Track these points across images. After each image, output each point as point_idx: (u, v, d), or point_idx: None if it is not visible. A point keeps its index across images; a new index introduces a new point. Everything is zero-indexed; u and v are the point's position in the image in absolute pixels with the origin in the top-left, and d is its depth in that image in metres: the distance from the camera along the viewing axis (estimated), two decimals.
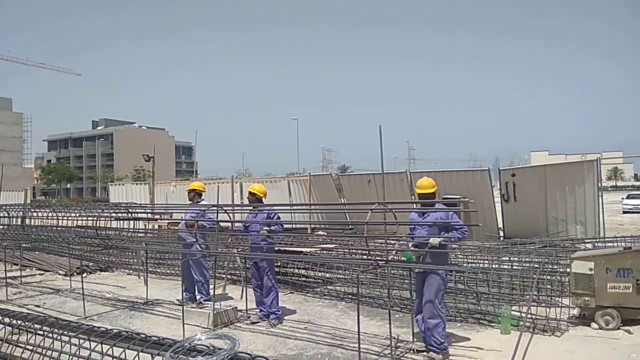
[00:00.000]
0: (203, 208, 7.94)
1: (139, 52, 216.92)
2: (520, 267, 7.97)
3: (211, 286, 7.95)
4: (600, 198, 12.88)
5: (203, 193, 8.47)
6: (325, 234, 14.13)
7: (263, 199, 7.46)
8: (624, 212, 29.78)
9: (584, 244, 10.58)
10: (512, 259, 8.54)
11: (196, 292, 8.05)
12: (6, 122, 73.52)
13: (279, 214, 7.50)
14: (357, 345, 5.31)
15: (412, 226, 5.86)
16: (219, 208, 7.77)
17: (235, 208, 11.63)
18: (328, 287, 8.91)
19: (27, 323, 4.08)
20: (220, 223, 7.87)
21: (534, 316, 6.40)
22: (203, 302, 7.84)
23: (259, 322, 7.15)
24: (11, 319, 4.26)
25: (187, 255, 8.05)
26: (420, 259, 5.68)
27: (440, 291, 5.64)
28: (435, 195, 5.91)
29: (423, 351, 5.63)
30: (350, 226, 15.15)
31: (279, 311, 7.20)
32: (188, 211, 8.26)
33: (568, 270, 7.09)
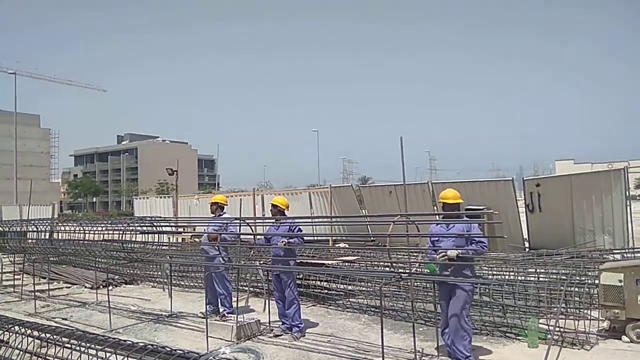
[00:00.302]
0: (225, 221, 8.02)
1: (162, 68, 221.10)
2: (547, 279, 7.80)
3: (234, 299, 7.99)
4: (628, 207, 12.58)
5: (225, 206, 8.55)
6: (347, 246, 14.08)
7: (285, 211, 7.50)
8: None
9: (612, 255, 10.33)
10: (538, 270, 8.37)
11: (219, 304, 8.09)
12: (34, 138, 75.41)
13: (300, 227, 7.52)
14: (380, 359, 5.27)
15: (435, 238, 5.79)
16: (242, 221, 7.83)
17: (257, 220, 11.69)
18: (350, 299, 8.86)
19: (55, 336, 4.15)
20: (242, 236, 7.92)
21: (562, 329, 6.25)
22: (226, 314, 7.87)
23: (282, 335, 7.14)
24: (40, 332, 4.34)
25: (210, 268, 8.11)
26: (442, 271, 5.61)
27: (467, 304, 5.57)
28: (460, 206, 5.84)
29: None
30: (372, 238, 15.08)
31: (301, 324, 7.18)
32: (210, 224, 8.34)
33: (596, 281, 6.92)
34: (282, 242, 7.06)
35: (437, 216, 13.60)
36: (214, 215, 8.38)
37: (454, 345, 5.46)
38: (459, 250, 5.42)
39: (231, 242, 7.95)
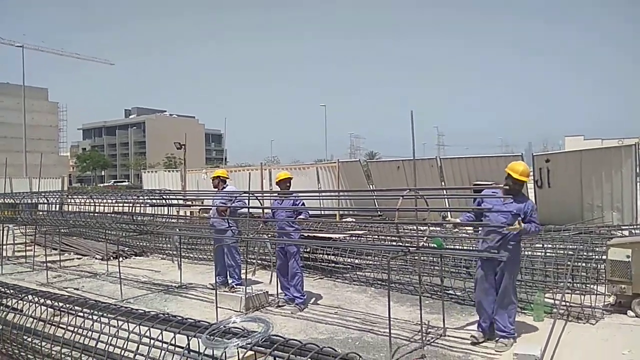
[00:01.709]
0: (232, 193, 8.07)
1: (170, 41, 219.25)
2: (554, 254, 7.82)
3: (242, 271, 8.09)
4: (638, 184, 12.50)
5: (227, 179, 8.62)
6: (354, 220, 14.14)
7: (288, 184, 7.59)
8: None
9: (620, 231, 10.30)
10: (545, 245, 8.38)
11: (228, 276, 8.20)
12: (43, 112, 75.44)
13: (303, 201, 7.56)
14: (387, 330, 5.34)
15: (488, 205, 5.60)
16: (250, 194, 7.87)
17: (265, 194, 11.75)
18: (357, 273, 8.94)
19: (68, 305, 4.24)
20: (251, 209, 7.97)
21: (568, 303, 6.29)
22: (235, 286, 7.98)
23: (285, 305, 7.27)
24: (52, 301, 4.44)
25: (219, 241, 8.19)
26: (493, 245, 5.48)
27: (516, 278, 5.58)
28: (523, 185, 5.60)
29: (481, 342, 5.54)
30: (379, 213, 15.12)
31: (304, 295, 7.29)
32: (217, 198, 8.40)
33: (604, 257, 6.92)
34: (299, 219, 7.16)
35: (444, 191, 13.59)
36: (216, 189, 8.45)
37: (504, 318, 5.41)
38: (526, 226, 5.30)
39: (237, 213, 8.03)
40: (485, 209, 5.61)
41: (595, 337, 5.67)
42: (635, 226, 10.79)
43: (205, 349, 3.05)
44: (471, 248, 8.24)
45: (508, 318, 5.45)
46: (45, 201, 11.00)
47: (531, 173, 14.76)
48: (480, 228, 6.17)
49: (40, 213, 11.95)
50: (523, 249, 8.38)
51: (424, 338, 5.64)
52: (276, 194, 7.91)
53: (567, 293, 6.32)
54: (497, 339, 5.47)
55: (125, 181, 75.80)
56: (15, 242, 12.92)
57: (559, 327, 5.64)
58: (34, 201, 12.26)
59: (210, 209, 8.85)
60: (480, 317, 5.70)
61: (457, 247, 8.35)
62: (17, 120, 57.86)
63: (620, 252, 6.47)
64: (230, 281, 8.16)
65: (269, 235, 8.55)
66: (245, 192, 7.83)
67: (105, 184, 74.39)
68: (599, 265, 7.22)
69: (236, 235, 7.98)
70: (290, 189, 7.74)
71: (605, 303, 6.65)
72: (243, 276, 7.96)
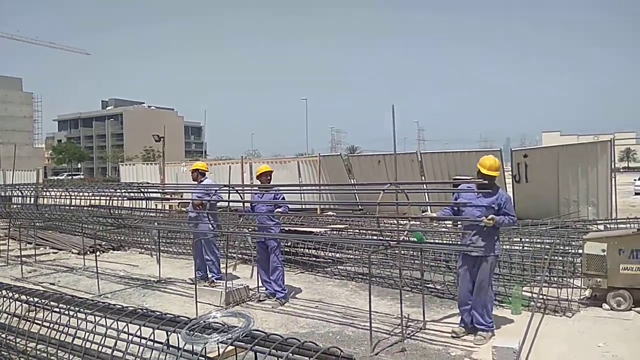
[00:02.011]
0: (210, 187, 8.00)
1: (148, 32, 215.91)
2: (531, 248, 7.94)
3: (222, 265, 8.03)
4: (613, 179, 12.75)
5: (206, 172, 8.54)
6: (335, 214, 14.14)
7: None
8: (636, 194, 29.49)
9: (595, 225, 10.50)
10: (523, 239, 8.49)
11: (207, 271, 8.13)
12: (16, 102, 73.73)
13: (284, 195, 7.53)
14: (368, 324, 5.35)
15: (462, 200, 5.66)
16: (230, 188, 7.79)
17: (246, 188, 11.67)
18: (338, 267, 8.95)
19: (43, 300, 4.14)
20: (231, 203, 7.90)
21: (545, 297, 6.39)
22: (215, 280, 7.92)
23: (266, 299, 7.24)
24: (27, 297, 4.32)
25: (198, 235, 8.11)
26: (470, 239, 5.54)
27: (493, 271, 5.62)
28: (493, 179, 5.60)
29: (462, 336, 5.59)
30: (360, 207, 15.15)
31: (285, 290, 7.27)
32: (195, 191, 8.31)
33: (580, 251, 7.05)
34: (277, 212, 7.12)
35: (424, 185, 13.67)
36: (195, 182, 8.36)
37: (481, 310, 5.47)
38: (499, 218, 5.36)
39: (215, 207, 7.96)
40: (461, 203, 5.68)
41: (571, 330, 5.78)
42: (610, 221, 11.00)
43: (185, 344, 3.00)
44: (451, 242, 8.31)
45: (485, 311, 5.51)
46: (20, 194, 10.74)
47: (508, 168, 14.98)
48: (459, 222, 6.23)
49: (15, 206, 11.67)
50: (501, 243, 8.51)
51: (404, 331, 5.67)
52: (257, 188, 7.85)
53: (544, 286, 6.41)
54: (475, 332, 5.53)
55: (79, 174, 72.31)
56: None
57: (536, 320, 5.75)
58: (7, 194, 11.95)
59: (189, 202, 8.75)
60: (462, 312, 5.74)
61: (437, 241, 8.41)
62: None
63: (595, 246, 6.60)
64: (209, 276, 8.08)
65: (249, 230, 8.50)
66: (224, 186, 7.74)
67: (55, 177, 68.00)
68: (575, 259, 7.35)
69: (215, 229, 7.91)
70: (271, 183, 7.69)
71: (581, 296, 6.78)
72: (223, 270, 7.90)
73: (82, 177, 67.13)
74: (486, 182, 5.47)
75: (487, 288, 5.52)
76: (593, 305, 6.59)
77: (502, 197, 5.55)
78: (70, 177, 65.84)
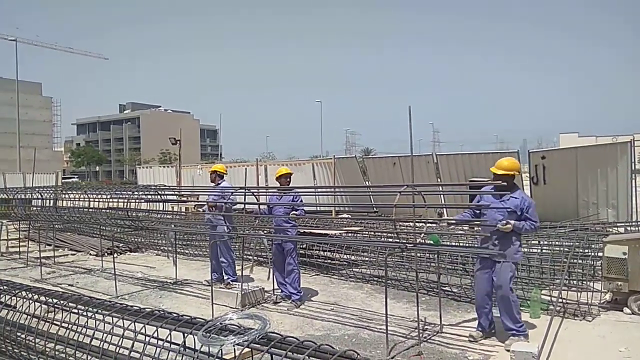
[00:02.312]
0: (227, 190, 8.04)
1: (165, 35, 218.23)
2: (550, 251, 7.83)
3: (238, 267, 8.05)
4: (633, 181, 12.53)
5: (224, 175, 8.59)
6: (350, 216, 14.11)
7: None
8: None
9: (616, 228, 10.32)
10: (541, 242, 8.38)
11: (223, 273, 8.16)
12: (36, 106, 74.82)
13: (302, 197, 7.53)
14: (384, 327, 5.31)
15: (485, 207, 5.56)
16: (246, 190, 7.83)
17: (261, 190, 11.70)
18: (354, 269, 8.92)
19: (62, 301, 4.18)
20: (247, 205, 7.93)
21: (564, 300, 6.29)
22: (230, 282, 7.94)
23: (281, 302, 7.24)
24: (46, 298, 4.37)
25: (214, 237, 8.15)
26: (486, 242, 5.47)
27: (514, 276, 5.49)
28: (514, 177, 5.55)
29: (479, 340, 5.53)
30: (375, 209, 15.09)
31: (300, 292, 7.26)
32: (211, 193, 8.37)
33: (600, 254, 6.93)
34: (293, 214, 7.12)
35: (440, 187, 13.54)
36: (214, 184, 8.41)
37: (507, 316, 5.34)
38: (518, 224, 5.28)
39: (230, 210, 8.01)
40: (483, 205, 5.60)
41: (591, 334, 5.67)
42: (631, 223, 10.81)
43: (202, 346, 3.00)
44: (468, 245, 8.23)
45: (510, 316, 5.36)
46: (39, 196, 10.91)
47: (526, 170, 14.80)
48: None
49: (34, 208, 11.85)
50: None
51: (420, 335, 5.62)
52: (275, 190, 7.87)
53: (564, 290, 6.32)
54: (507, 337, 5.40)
55: (74, 177, 72.23)
56: (9, 237, 12.83)
57: (555, 324, 5.64)
58: (27, 196, 12.14)
59: (204, 203, 8.80)
60: (479, 316, 5.67)
61: (454, 243, 8.34)
62: (11, 115, 57.33)
63: (616, 249, 6.47)
64: (225, 277, 8.12)
65: (265, 232, 8.51)
66: (240, 188, 7.77)
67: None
68: (595, 262, 7.23)
69: (230, 231, 7.94)
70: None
71: (602, 300, 6.66)
72: (238, 272, 7.92)
73: (76, 179, 67.17)
74: (505, 183, 5.40)
75: (509, 293, 5.37)
76: (614, 309, 6.46)
77: (526, 201, 5.43)
78: (77, 179, 66.62)
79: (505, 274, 5.37)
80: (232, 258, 8.18)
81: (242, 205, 7.85)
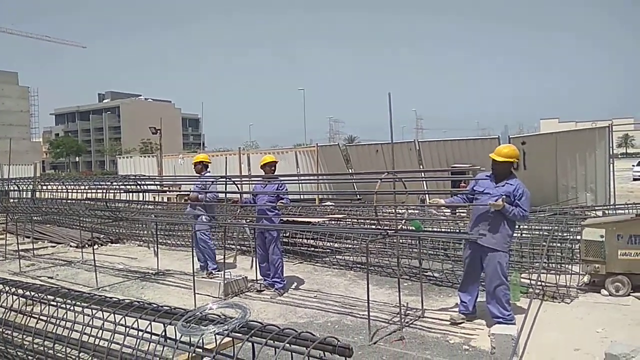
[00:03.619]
0: (208, 180, 7.97)
1: (142, 23, 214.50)
2: (529, 235, 7.94)
3: (220, 257, 8.02)
4: (611, 165, 12.75)
5: (209, 164, 8.51)
6: (333, 204, 14.14)
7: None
8: (634, 180, 29.56)
9: (594, 211, 10.51)
10: (521, 226, 8.49)
11: (207, 261, 8.13)
12: (13, 97, 73.35)
13: (287, 186, 7.50)
14: (366, 313, 5.35)
15: (479, 189, 5.56)
16: (227, 179, 7.76)
17: (244, 179, 11.63)
18: (337, 256, 8.95)
19: (40, 294, 4.11)
20: (229, 194, 7.88)
21: (543, 283, 6.40)
22: (213, 272, 7.91)
23: (264, 290, 7.24)
24: (25, 290, 4.30)
25: (196, 227, 8.10)
26: (477, 226, 5.45)
27: (506, 263, 5.48)
28: (512, 165, 5.51)
29: (460, 323, 5.60)
30: (358, 196, 15.15)
31: (284, 280, 7.27)
32: (195, 183, 8.29)
33: (578, 237, 7.05)
34: (280, 204, 7.10)
35: (422, 174, 13.64)
36: (199, 175, 8.30)
37: (496, 304, 5.36)
38: (509, 207, 5.24)
39: (212, 201, 7.95)
40: (476, 192, 5.62)
41: (570, 316, 5.79)
42: (608, 207, 11.02)
43: (182, 336, 2.98)
44: (449, 230, 8.31)
45: (500, 304, 5.37)
46: (17, 188, 10.70)
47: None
48: (457, 210, 6.20)
49: (12, 200, 11.63)
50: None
51: (402, 320, 5.68)
52: (259, 178, 7.82)
53: (543, 273, 6.42)
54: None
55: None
56: None
57: (535, 306, 5.75)
58: (4, 188, 11.90)
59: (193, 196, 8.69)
60: (462, 297, 5.74)
61: (435, 229, 8.41)
62: None
63: (594, 232, 6.59)
64: (209, 266, 8.09)
65: (248, 221, 8.47)
66: (221, 177, 7.71)
67: None
68: (573, 246, 7.36)
69: (210, 221, 7.90)
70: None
71: (580, 283, 6.78)
72: (220, 262, 7.89)
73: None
74: (496, 170, 5.48)
75: (502, 283, 5.37)
76: (592, 291, 6.60)
77: (520, 189, 5.37)
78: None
79: (496, 265, 5.37)
80: (210, 247, 8.17)
81: (224, 195, 7.79)
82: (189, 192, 8.79)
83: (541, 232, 7.94)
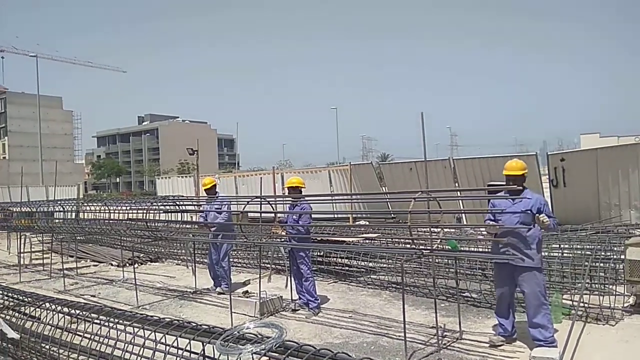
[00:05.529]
0: (225, 201, 8.42)
1: (181, 48, 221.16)
2: (571, 255, 7.72)
3: (255, 276, 8.11)
4: None
5: (303, 188, 8.59)
6: (367, 223, 14.10)
7: (302, 188, 7.52)
8: None
9: (638, 229, 10.14)
10: (562, 246, 8.27)
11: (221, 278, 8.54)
12: (57, 120, 76.47)
13: (305, 206, 7.44)
14: (402, 334, 5.30)
15: (497, 213, 5.51)
16: (262, 199, 7.88)
17: (277, 199, 11.75)
18: (371, 276, 8.90)
19: (84, 312, 4.27)
20: (263, 214, 8.00)
21: (586, 304, 6.19)
22: (224, 290, 8.26)
23: (299, 309, 7.25)
24: (70, 309, 4.47)
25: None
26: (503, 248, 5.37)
27: (544, 283, 5.37)
28: (524, 179, 5.48)
29: (499, 345, 5.48)
30: (392, 215, 15.04)
31: (317, 299, 7.26)
32: (213, 205, 8.61)
33: (622, 257, 6.81)
34: (297, 225, 7.20)
35: (457, 192, 13.50)
36: (213, 196, 8.70)
37: (539, 325, 5.21)
38: (547, 219, 5.18)
39: (226, 222, 8.40)
40: (497, 211, 5.55)
41: (615, 339, 5.58)
42: None
43: (220, 355, 3.05)
44: (486, 250, 8.16)
45: (541, 327, 5.21)
46: (62, 209, 11.13)
47: (545, 172, 14.60)
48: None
49: (57, 221, 12.09)
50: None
51: (440, 341, 5.59)
52: (287, 198, 7.93)
53: (586, 294, 6.22)
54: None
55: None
56: (33, 250, 13.08)
57: (577, 329, 5.57)
58: (50, 209, 12.40)
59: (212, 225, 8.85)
60: (499, 320, 5.61)
61: (472, 249, 8.28)
62: (33, 129, 58.81)
63: (638, 251, 6.36)
64: (223, 285, 8.51)
65: (282, 240, 8.55)
66: (256, 197, 7.83)
67: None
68: (617, 265, 7.10)
69: (247, 239, 8.10)
70: (303, 193, 7.68)
71: (625, 304, 6.54)
72: (256, 281, 7.97)
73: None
74: (516, 185, 5.37)
75: (543, 304, 5.24)
76: (638, 313, 6.34)
77: (540, 200, 5.38)
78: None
79: (532, 283, 5.25)
80: (228, 266, 8.44)
81: (259, 214, 7.92)
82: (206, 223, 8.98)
83: (583, 252, 7.70)
